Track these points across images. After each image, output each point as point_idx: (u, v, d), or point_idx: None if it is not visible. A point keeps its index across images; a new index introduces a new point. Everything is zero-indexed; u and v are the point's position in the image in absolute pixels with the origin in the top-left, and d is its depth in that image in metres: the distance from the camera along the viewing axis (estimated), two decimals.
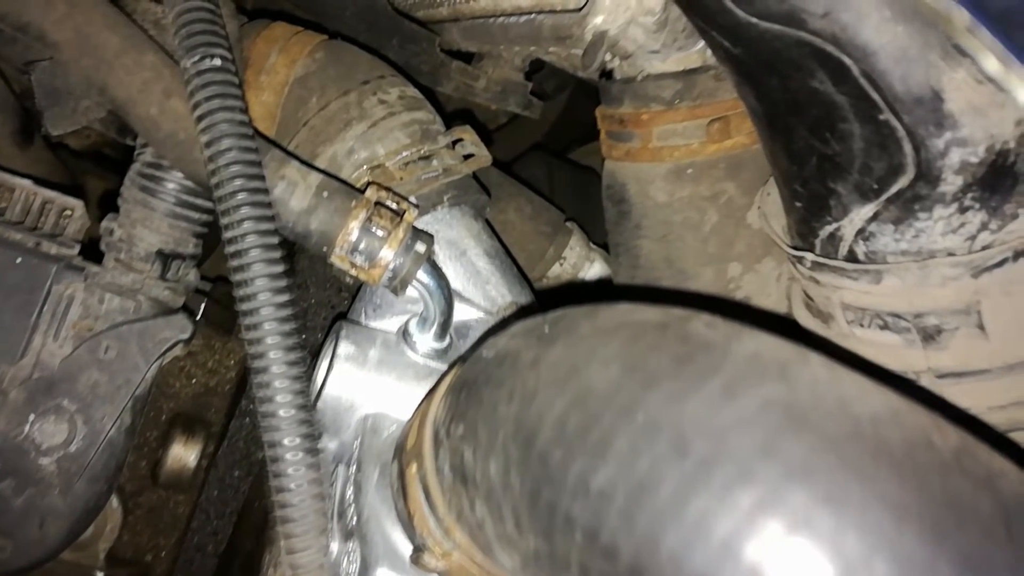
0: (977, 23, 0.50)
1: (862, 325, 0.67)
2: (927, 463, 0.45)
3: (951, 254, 0.61)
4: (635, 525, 0.47)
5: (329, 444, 0.82)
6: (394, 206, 0.79)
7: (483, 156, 0.92)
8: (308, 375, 0.72)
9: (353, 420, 0.82)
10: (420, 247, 0.78)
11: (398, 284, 0.78)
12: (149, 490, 1.09)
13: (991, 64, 0.51)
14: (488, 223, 0.97)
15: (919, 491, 0.43)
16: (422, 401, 0.77)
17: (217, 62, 0.71)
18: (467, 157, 0.92)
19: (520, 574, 0.61)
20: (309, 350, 0.77)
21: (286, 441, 0.69)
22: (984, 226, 0.60)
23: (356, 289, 0.93)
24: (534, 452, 0.53)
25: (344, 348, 0.82)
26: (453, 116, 1.09)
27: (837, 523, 0.42)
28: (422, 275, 0.79)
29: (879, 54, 0.53)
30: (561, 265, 1.21)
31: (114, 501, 1.04)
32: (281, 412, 0.68)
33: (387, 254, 0.76)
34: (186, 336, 0.86)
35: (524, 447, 0.54)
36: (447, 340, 0.84)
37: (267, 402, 0.69)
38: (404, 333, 0.84)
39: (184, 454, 1.08)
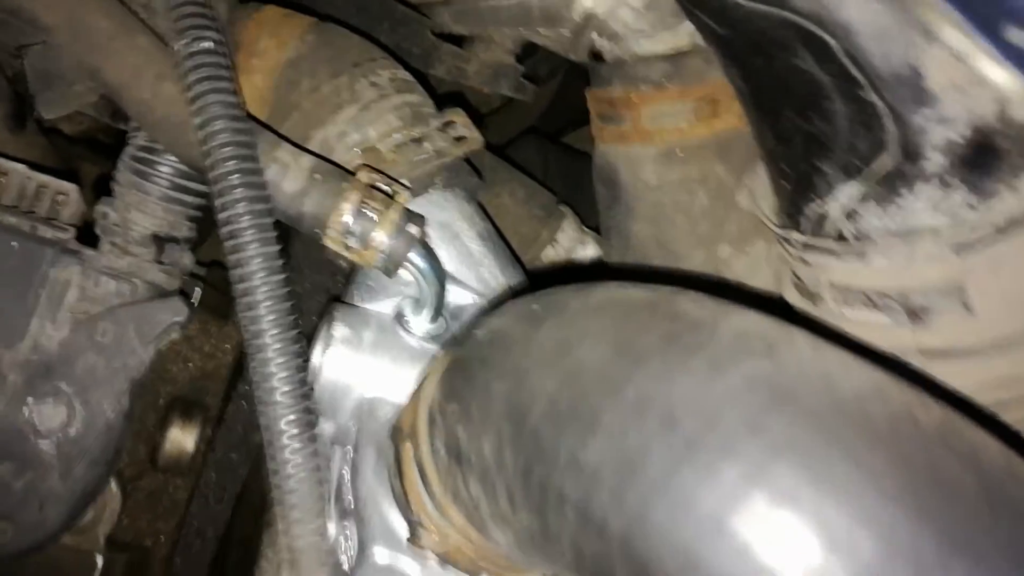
0: (944, 1, 0.51)
1: (850, 305, 0.68)
2: (911, 438, 0.46)
3: (935, 233, 0.62)
4: (624, 501, 0.48)
5: (326, 426, 0.82)
6: (386, 188, 0.80)
7: (475, 139, 0.93)
8: (305, 357, 0.73)
9: (349, 403, 0.83)
10: (413, 229, 0.79)
11: (391, 266, 0.79)
12: (148, 475, 1.10)
13: (960, 43, 0.51)
14: (481, 206, 0.97)
15: (903, 466, 0.44)
16: (417, 383, 0.78)
17: (209, 44, 0.71)
18: (459, 140, 0.92)
19: (515, 551, 0.62)
20: (305, 335, 0.78)
21: (283, 422, 0.69)
22: (967, 204, 0.60)
23: (350, 273, 0.93)
24: (526, 429, 0.54)
25: (339, 330, 0.83)
26: (446, 99, 1.09)
27: (821, 498, 0.43)
28: (415, 257, 0.80)
29: (860, 32, 0.53)
30: (554, 248, 1.22)
31: (113, 486, 1.05)
32: (278, 393, 0.69)
33: (380, 236, 0.77)
34: (182, 319, 0.86)
35: (517, 424, 0.55)
36: (441, 322, 0.85)
37: (264, 382, 0.69)
38: (398, 316, 0.84)
39: (182, 438, 1.09)
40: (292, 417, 0.69)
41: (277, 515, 0.70)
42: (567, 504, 0.52)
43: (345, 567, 0.76)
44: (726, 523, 0.44)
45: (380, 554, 0.74)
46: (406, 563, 0.74)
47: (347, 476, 0.80)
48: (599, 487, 0.49)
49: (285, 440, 0.69)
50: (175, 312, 0.86)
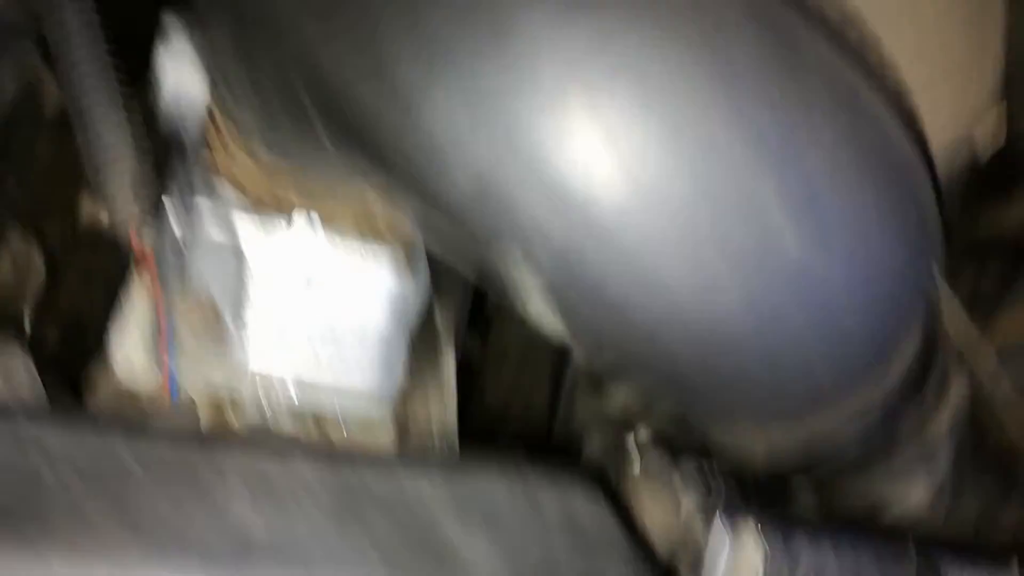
0: None
1: None
2: None
3: None
4: (313, 53, 0.49)
5: (176, 131, 0.85)
6: None
7: None
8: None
9: (194, 110, 0.85)
10: None
11: None
12: (77, 252, 1.15)
13: None
14: None
15: None
16: None
17: None
18: None
19: (263, 134, 0.64)
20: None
21: (88, 84, 0.70)
22: None
23: None
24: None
25: (178, 42, 0.85)
26: None
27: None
28: None
29: None
30: None
31: (37, 259, 1.11)
32: (81, 55, 0.69)
33: None
34: (34, 49, 0.88)
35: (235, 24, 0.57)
36: None
37: (64, 47, 0.69)
38: None
39: (96, 210, 1.13)
40: (97, 74, 0.69)
41: (91, 175, 0.73)
42: (284, 68, 0.54)
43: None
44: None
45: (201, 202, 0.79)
46: (231, 235, 0.78)
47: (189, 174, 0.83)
48: (300, 38, 0.51)
49: (93, 105, 0.71)
50: (22, 44, 0.88)
